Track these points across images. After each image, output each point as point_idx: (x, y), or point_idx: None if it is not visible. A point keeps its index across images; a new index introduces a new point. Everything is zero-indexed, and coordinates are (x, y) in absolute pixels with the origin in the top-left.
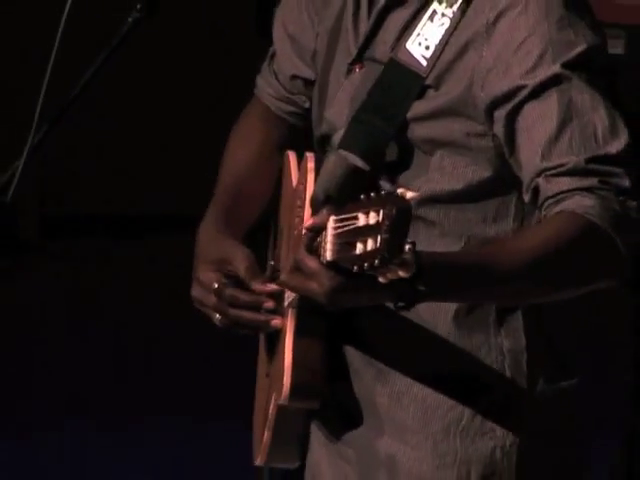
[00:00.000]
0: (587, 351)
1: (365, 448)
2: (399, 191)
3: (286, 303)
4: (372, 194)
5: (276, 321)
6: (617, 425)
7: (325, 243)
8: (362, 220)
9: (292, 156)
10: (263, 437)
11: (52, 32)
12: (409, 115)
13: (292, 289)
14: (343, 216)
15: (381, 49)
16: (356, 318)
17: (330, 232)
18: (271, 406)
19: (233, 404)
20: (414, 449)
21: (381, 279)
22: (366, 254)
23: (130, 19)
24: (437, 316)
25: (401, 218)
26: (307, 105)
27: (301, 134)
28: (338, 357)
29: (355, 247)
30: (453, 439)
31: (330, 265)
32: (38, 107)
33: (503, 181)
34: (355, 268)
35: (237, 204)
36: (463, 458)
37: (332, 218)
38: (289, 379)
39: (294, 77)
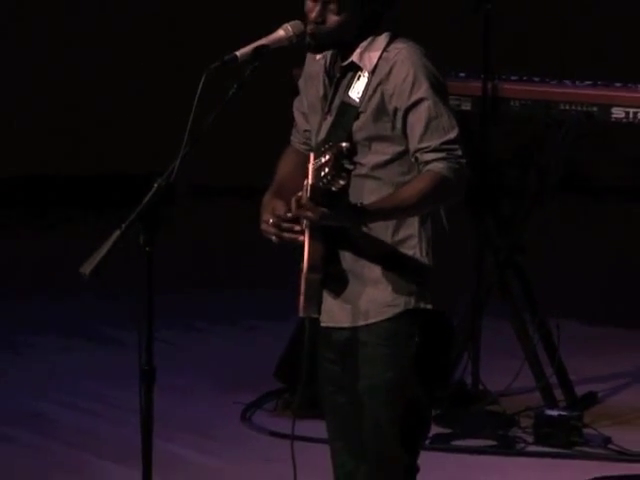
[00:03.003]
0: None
1: (356, 296)
2: (340, 144)
3: (303, 225)
4: (327, 146)
5: (301, 237)
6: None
7: (309, 176)
8: (323, 159)
9: (311, 155)
10: (301, 299)
11: (192, 97)
12: (353, 128)
13: (301, 216)
14: (316, 160)
15: (339, 100)
16: (342, 233)
17: (310, 170)
18: (302, 279)
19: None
20: (382, 291)
21: (333, 188)
22: (325, 174)
23: (230, 92)
24: (387, 224)
25: (339, 152)
26: (312, 142)
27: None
28: (335, 252)
29: (321, 173)
30: (402, 283)
31: (314, 191)
32: (186, 134)
33: (406, 149)
34: (321, 184)
35: (281, 187)
36: (407, 291)
37: (311, 163)
38: (307, 262)
39: (305, 130)
